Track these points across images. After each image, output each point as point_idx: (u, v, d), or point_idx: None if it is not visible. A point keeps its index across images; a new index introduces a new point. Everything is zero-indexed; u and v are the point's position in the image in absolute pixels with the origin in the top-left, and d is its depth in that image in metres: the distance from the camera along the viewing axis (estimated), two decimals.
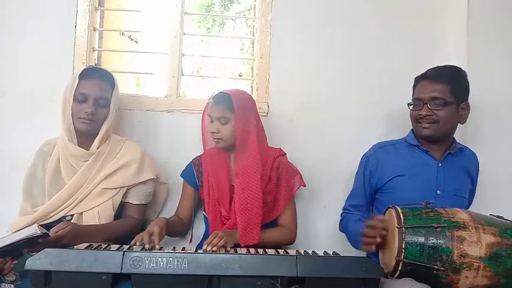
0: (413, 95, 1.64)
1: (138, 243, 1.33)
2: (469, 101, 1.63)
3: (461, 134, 1.79)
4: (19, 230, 1.29)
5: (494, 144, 1.94)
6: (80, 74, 1.58)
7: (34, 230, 1.23)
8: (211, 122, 1.65)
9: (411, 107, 1.62)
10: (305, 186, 1.75)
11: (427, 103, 1.55)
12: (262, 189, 1.59)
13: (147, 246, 1.32)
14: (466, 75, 1.62)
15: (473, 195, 1.75)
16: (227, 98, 1.62)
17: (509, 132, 1.97)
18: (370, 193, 1.69)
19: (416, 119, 1.60)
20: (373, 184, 1.66)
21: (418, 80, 1.63)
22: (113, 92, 1.63)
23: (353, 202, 1.71)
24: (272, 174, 1.66)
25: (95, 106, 1.57)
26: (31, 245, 1.24)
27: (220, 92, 1.67)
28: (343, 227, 1.71)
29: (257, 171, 1.59)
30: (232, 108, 1.61)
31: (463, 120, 1.61)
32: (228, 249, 1.38)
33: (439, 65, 1.66)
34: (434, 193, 1.55)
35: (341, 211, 1.75)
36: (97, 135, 1.61)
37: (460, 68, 1.63)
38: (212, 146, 1.73)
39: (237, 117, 1.61)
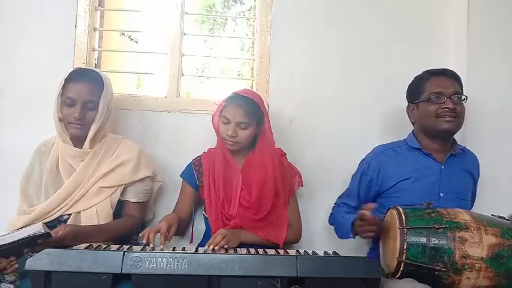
0: (422, 92, 1.61)
1: (144, 241, 1.34)
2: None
3: (460, 135, 1.79)
4: (23, 228, 1.27)
5: (493, 144, 1.94)
6: (66, 77, 1.56)
7: (38, 229, 1.21)
8: (227, 123, 1.63)
9: (430, 101, 1.58)
10: (303, 186, 1.76)
11: (450, 97, 1.55)
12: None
13: (160, 247, 1.33)
14: None
15: (475, 198, 1.75)
16: (249, 103, 1.62)
17: (509, 133, 1.97)
18: (364, 197, 1.68)
19: (437, 114, 1.57)
20: (375, 189, 1.66)
21: (429, 76, 1.62)
22: (102, 93, 1.58)
23: (345, 201, 1.73)
24: None
25: (83, 110, 1.54)
26: (33, 243, 1.23)
27: (240, 95, 1.65)
28: (333, 219, 1.74)
29: (271, 172, 1.64)
30: (254, 114, 1.63)
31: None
32: (229, 249, 1.38)
33: (439, 65, 1.66)
34: (438, 196, 1.55)
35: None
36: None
37: None
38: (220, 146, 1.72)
39: (259, 122, 1.66)
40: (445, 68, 1.65)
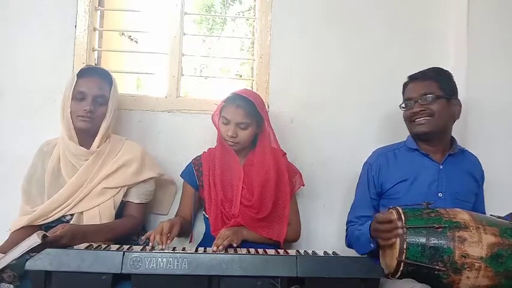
0: (403, 99, 1.67)
1: (151, 244, 1.34)
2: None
3: (461, 135, 1.79)
4: (20, 242, 1.29)
5: (494, 144, 1.93)
6: (78, 73, 1.59)
7: (34, 240, 1.22)
8: (227, 124, 1.63)
9: (403, 108, 1.64)
10: (304, 185, 1.76)
11: (418, 100, 1.58)
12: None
13: (160, 246, 1.33)
14: (451, 75, 1.64)
15: (482, 202, 1.72)
16: (249, 104, 1.62)
17: (509, 133, 1.97)
18: (377, 202, 1.66)
19: (410, 119, 1.61)
20: (377, 191, 1.66)
21: (406, 84, 1.67)
22: (111, 90, 1.62)
23: (358, 213, 1.65)
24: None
25: (94, 104, 1.57)
26: (33, 251, 1.24)
27: (239, 95, 1.65)
28: (349, 239, 1.62)
29: (272, 171, 1.64)
30: (254, 114, 1.63)
31: (457, 116, 1.62)
32: (229, 249, 1.38)
33: (439, 65, 1.66)
34: (436, 196, 1.54)
35: (344, 218, 1.71)
36: (97, 134, 1.61)
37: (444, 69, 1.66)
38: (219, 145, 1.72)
39: (259, 122, 1.66)
40: (430, 67, 1.65)
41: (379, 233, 1.31)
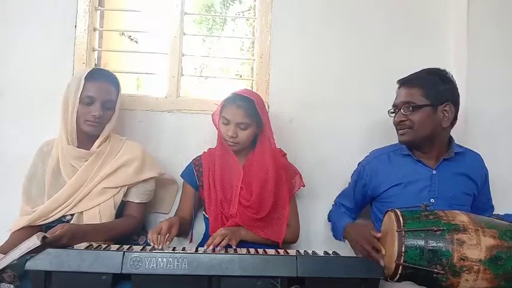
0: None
1: (152, 244, 1.35)
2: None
3: (461, 137, 1.78)
4: (19, 245, 1.28)
5: (494, 144, 1.94)
6: (85, 76, 1.56)
7: (33, 241, 1.22)
8: (227, 124, 1.64)
9: (392, 114, 1.62)
10: (304, 186, 1.76)
11: (400, 109, 1.56)
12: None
13: (156, 246, 1.34)
14: (446, 77, 1.56)
15: (488, 199, 1.69)
16: (249, 104, 1.62)
17: (510, 133, 1.97)
18: (361, 200, 1.71)
19: (395, 126, 1.61)
20: (368, 193, 1.67)
21: (398, 86, 1.64)
22: (118, 94, 1.63)
23: (343, 202, 1.78)
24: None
25: (102, 109, 1.57)
26: (32, 253, 1.24)
27: (239, 95, 1.65)
28: (330, 217, 1.82)
29: (271, 171, 1.64)
30: (254, 115, 1.63)
31: (445, 123, 1.53)
32: (229, 249, 1.38)
33: (439, 65, 1.64)
34: (428, 202, 1.49)
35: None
36: (98, 135, 1.61)
37: (440, 70, 1.58)
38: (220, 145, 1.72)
39: (259, 122, 1.66)
40: (420, 70, 1.60)
41: (361, 249, 1.35)
